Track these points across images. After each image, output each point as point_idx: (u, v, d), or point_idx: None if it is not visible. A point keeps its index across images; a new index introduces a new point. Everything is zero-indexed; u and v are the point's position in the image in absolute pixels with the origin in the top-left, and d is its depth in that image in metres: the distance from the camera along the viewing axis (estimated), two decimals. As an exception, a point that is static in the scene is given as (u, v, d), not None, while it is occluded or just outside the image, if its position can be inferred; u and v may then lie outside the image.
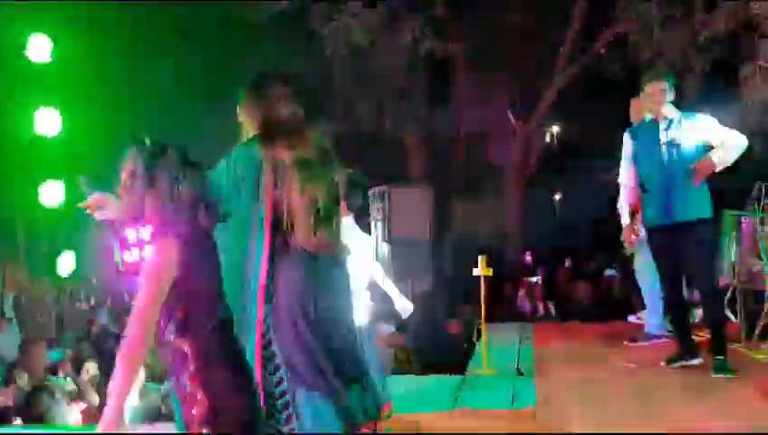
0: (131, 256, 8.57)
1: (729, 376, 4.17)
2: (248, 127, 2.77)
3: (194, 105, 10.03)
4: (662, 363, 4.55)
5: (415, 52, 10.88)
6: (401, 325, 7.29)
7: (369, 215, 9.13)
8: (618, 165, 4.82)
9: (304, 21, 10.38)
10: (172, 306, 2.21)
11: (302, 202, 2.61)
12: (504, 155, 13.10)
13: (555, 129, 16.21)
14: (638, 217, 4.80)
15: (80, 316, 9.48)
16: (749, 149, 4.39)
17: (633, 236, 4.89)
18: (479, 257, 4.76)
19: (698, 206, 4.33)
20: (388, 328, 7.15)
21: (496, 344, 5.25)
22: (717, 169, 4.29)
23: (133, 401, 5.54)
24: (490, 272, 4.77)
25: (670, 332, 5.05)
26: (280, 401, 2.62)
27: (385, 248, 9.54)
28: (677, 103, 4.50)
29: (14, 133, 7.34)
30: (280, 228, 2.63)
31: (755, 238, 5.01)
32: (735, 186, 5.17)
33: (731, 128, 4.41)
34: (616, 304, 8.89)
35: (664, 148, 4.38)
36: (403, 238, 9.37)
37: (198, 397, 2.22)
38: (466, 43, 11.65)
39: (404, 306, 4.26)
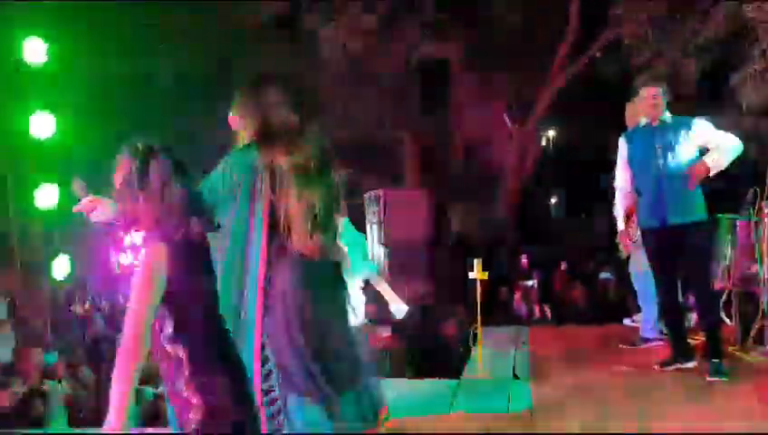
0: (127, 258, 8.56)
1: (724, 379, 4.18)
2: (245, 131, 2.76)
3: (189, 108, 10.02)
4: (657, 367, 4.55)
5: (412, 55, 10.90)
6: (397, 329, 7.29)
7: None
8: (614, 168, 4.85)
9: (302, 24, 10.40)
10: (166, 311, 2.21)
11: (300, 207, 2.61)
12: (500, 158, 13.12)
13: (551, 132, 16.26)
14: (634, 220, 4.81)
15: (74, 320, 9.44)
16: (743, 152, 4.41)
17: (628, 240, 4.92)
18: (475, 261, 4.76)
19: (693, 209, 4.34)
20: (383, 331, 7.15)
21: (492, 348, 5.25)
22: (712, 173, 4.31)
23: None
24: (485, 275, 4.77)
25: (665, 335, 5.05)
26: (272, 407, 2.61)
27: (381, 251, 9.54)
28: (672, 107, 4.52)
29: (9, 136, 7.32)
30: (277, 233, 2.63)
31: (750, 242, 5.02)
32: (730, 189, 5.19)
33: (725, 132, 4.43)
34: (611, 307, 8.91)
35: (659, 152, 4.40)
36: (398, 241, 9.37)
37: (194, 402, 2.22)
38: (463, 46, 11.68)
39: (398, 308, 4.26)
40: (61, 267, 7.69)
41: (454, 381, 4.65)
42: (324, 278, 2.71)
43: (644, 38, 10.26)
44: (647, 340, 5.26)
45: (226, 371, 2.30)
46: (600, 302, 9.65)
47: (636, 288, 5.44)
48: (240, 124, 2.78)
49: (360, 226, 6.61)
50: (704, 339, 4.57)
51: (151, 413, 5.38)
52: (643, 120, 4.56)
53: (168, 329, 2.22)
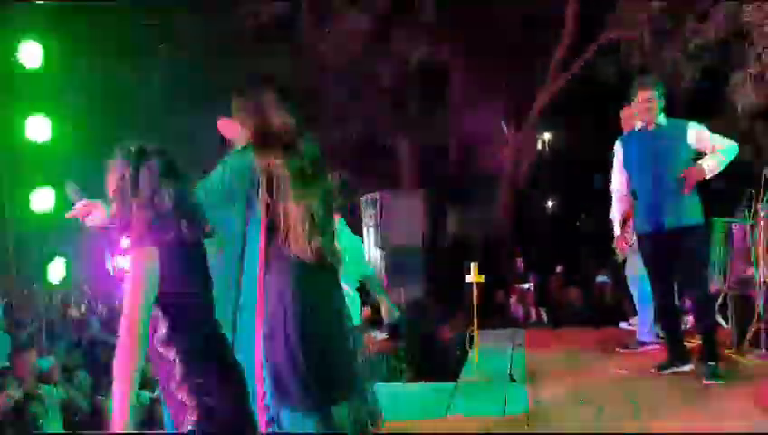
0: (123, 262, 8.53)
1: (720, 382, 4.18)
2: (240, 134, 2.75)
3: (186, 111, 10.01)
4: (653, 370, 4.56)
5: (407, 60, 10.91)
6: (394, 332, 7.29)
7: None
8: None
9: (298, 28, 10.40)
10: (159, 312, 2.21)
11: (298, 211, 2.60)
12: (497, 161, 13.14)
13: (548, 135, 16.28)
14: (630, 224, 4.82)
15: (70, 324, 9.41)
16: (739, 154, 4.42)
17: (624, 244, 4.94)
18: (471, 264, 4.76)
19: (689, 212, 4.35)
20: (380, 335, 7.14)
21: (489, 351, 5.25)
22: (708, 177, 4.32)
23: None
24: (482, 278, 4.77)
25: (661, 338, 5.06)
26: (266, 416, 2.60)
27: (377, 254, 9.54)
28: (668, 111, 4.52)
29: (5, 139, 7.31)
30: (275, 236, 2.62)
31: (746, 245, 5.03)
32: (726, 192, 5.20)
33: (721, 134, 4.44)
34: (608, 310, 8.91)
35: (654, 155, 4.41)
36: (395, 245, 9.37)
37: (188, 403, 2.22)
38: (459, 51, 11.69)
39: (390, 312, 4.26)
40: (57, 271, 7.67)
41: (450, 385, 4.64)
42: (322, 282, 2.70)
43: (641, 41, 10.29)
44: (643, 343, 5.26)
45: (221, 372, 2.30)
46: (597, 305, 9.65)
47: (632, 292, 5.44)
48: (232, 129, 2.76)
49: (356, 228, 6.62)
50: (700, 342, 4.58)
51: (148, 417, 5.36)
52: (639, 124, 4.56)
53: (162, 330, 2.22)
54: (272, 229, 2.62)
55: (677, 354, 4.54)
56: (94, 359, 7.22)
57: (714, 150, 4.34)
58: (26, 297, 8.64)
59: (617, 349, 5.32)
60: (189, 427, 2.22)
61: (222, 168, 2.63)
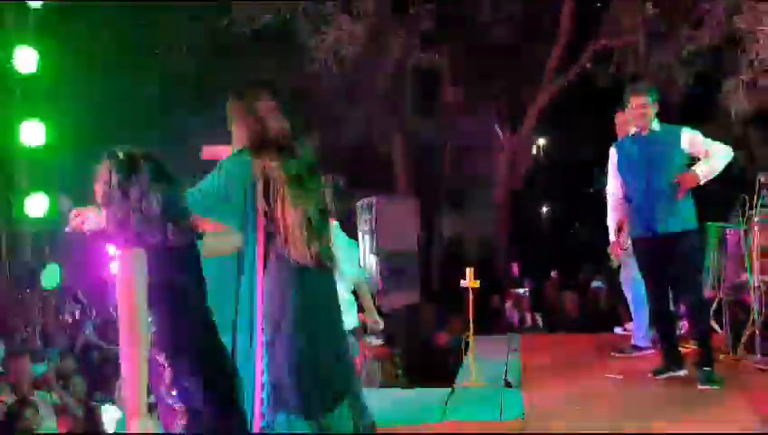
0: (115, 267, 8.50)
1: (716, 387, 4.19)
2: (237, 138, 2.75)
3: (180, 116, 10.00)
4: (649, 375, 4.56)
5: (402, 64, 10.93)
6: (389, 338, 7.28)
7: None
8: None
9: (291, 33, 10.41)
10: (149, 318, 2.21)
11: (296, 215, 2.60)
12: (492, 167, 13.16)
13: (543, 141, 16.33)
14: (625, 229, 4.84)
15: (64, 329, 9.37)
16: (733, 160, 4.44)
17: (619, 250, 4.96)
18: (466, 269, 4.76)
19: (683, 218, 4.37)
20: (375, 340, 7.13)
21: (484, 356, 5.24)
22: (702, 182, 4.34)
23: (117, 414, 5.50)
24: (477, 284, 4.77)
25: (656, 343, 5.07)
26: (261, 422, 2.59)
27: (372, 260, 9.52)
28: (662, 116, 4.55)
29: (-1, 144, 7.30)
30: (273, 241, 2.62)
31: (740, 250, 5.05)
32: (720, 198, 5.22)
33: (714, 140, 4.46)
34: (603, 315, 8.93)
35: (648, 161, 4.43)
36: (390, 250, 9.35)
37: (176, 407, 2.22)
38: (453, 55, 11.72)
39: (376, 321, 4.27)
40: (50, 276, 7.65)
41: (446, 390, 4.64)
42: (321, 285, 2.71)
43: (635, 47, 10.34)
44: (638, 348, 5.26)
45: (210, 376, 2.30)
46: (592, 310, 9.67)
47: (627, 297, 5.45)
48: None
49: (351, 234, 6.61)
50: (695, 347, 4.59)
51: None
52: (633, 130, 4.59)
53: (152, 334, 2.22)
54: (270, 233, 2.62)
55: (672, 359, 4.55)
56: (88, 364, 7.19)
57: (708, 156, 4.36)
58: (20, 303, 8.59)
59: (612, 354, 5.32)
60: (178, 431, 2.22)
61: (219, 170, 2.63)
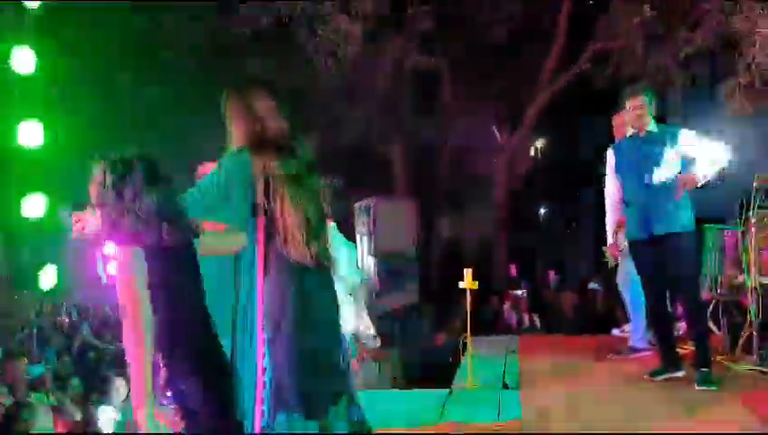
0: (113, 269, 8.49)
1: (713, 389, 4.20)
2: (235, 137, 2.74)
3: (178, 117, 10.00)
4: (646, 376, 4.57)
5: (400, 65, 10.93)
6: (387, 339, 7.27)
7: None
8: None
9: (290, 34, 10.41)
10: None
11: (295, 214, 2.60)
12: (490, 169, 13.17)
13: (540, 143, 16.34)
14: (622, 231, 4.85)
15: (61, 330, 9.36)
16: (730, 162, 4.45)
17: (617, 251, 4.97)
18: (465, 270, 4.77)
19: (680, 219, 4.37)
20: (373, 342, 7.12)
21: (482, 357, 5.25)
22: (699, 184, 4.34)
23: (115, 416, 5.50)
24: (476, 285, 4.77)
25: (654, 345, 5.07)
26: (261, 422, 2.59)
27: (371, 262, 9.53)
28: (659, 118, 4.56)
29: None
30: (272, 240, 2.62)
31: (737, 251, 5.06)
32: (717, 199, 5.24)
33: (712, 142, 4.47)
34: (600, 317, 8.93)
35: (645, 162, 4.44)
36: (388, 251, 9.36)
37: (172, 408, 2.22)
38: (452, 57, 11.73)
39: (366, 326, 4.27)
40: (47, 277, 7.63)
41: (444, 391, 4.64)
42: (321, 284, 2.71)
43: (633, 49, 10.36)
44: (636, 350, 5.27)
45: (206, 377, 2.30)
46: (589, 312, 9.68)
47: (624, 298, 5.46)
48: (231, 128, 2.75)
49: (349, 236, 6.61)
50: (692, 348, 4.59)
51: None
52: (630, 131, 4.59)
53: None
54: (269, 233, 2.62)
55: (670, 361, 4.56)
56: (85, 365, 7.18)
57: (705, 158, 4.36)
58: (17, 304, 8.58)
59: (609, 355, 5.33)
60: (174, 431, 2.22)
61: (218, 169, 2.63)
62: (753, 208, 4.87)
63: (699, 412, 3.85)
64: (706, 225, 5.32)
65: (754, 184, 4.89)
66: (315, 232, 2.65)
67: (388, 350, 7.24)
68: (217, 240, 2.55)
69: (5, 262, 8.50)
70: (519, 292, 10.79)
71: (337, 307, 2.82)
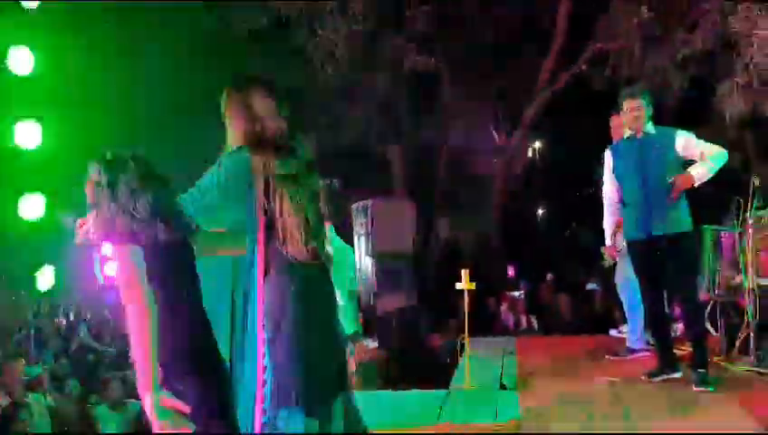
0: (111, 269, 8.48)
1: (710, 390, 4.20)
2: (233, 136, 2.74)
3: (177, 119, 9.99)
4: (644, 377, 4.57)
5: (399, 66, 10.93)
6: (384, 340, 7.28)
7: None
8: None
9: (289, 35, 10.41)
10: None
11: (294, 214, 2.61)
12: (488, 170, 13.17)
13: (539, 144, 16.35)
14: (620, 231, 4.86)
15: (59, 332, 9.35)
16: (728, 163, 4.45)
17: (615, 252, 4.98)
18: (462, 271, 4.77)
19: (678, 220, 4.38)
20: (371, 342, 7.13)
21: (479, 358, 5.25)
22: (696, 184, 4.35)
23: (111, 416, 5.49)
24: (473, 286, 4.77)
25: (651, 345, 5.08)
26: (262, 419, 2.59)
27: (368, 262, 9.52)
28: (656, 119, 4.56)
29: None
30: (272, 238, 2.62)
31: (735, 252, 5.06)
32: (715, 200, 5.24)
33: (709, 142, 4.48)
34: (598, 318, 8.94)
35: (643, 163, 4.44)
36: (386, 252, 9.36)
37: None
38: (450, 57, 11.73)
39: (356, 330, 4.28)
40: (45, 278, 7.62)
41: (441, 392, 4.64)
42: (320, 282, 2.71)
43: (630, 50, 10.37)
44: (633, 351, 5.28)
45: (203, 377, 2.30)
46: (587, 313, 9.69)
47: (622, 299, 5.46)
48: (229, 128, 2.74)
49: (347, 239, 6.61)
50: (690, 349, 4.60)
51: (136, 427, 5.33)
52: (627, 132, 4.60)
53: None
54: (269, 232, 2.62)
55: (667, 362, 4.56)
56: (82, 366, 7.18)
57: (702, 158, 4.37)
58: (14, 305, 8.56)
59: (607, 356, 5.33)
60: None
61: (218, 167, 2.63)
62: (751, 209, 4.87)
63: (696, 413, 3.86)
64: (704, 226, 5.33)
65: (752, 184, 4.90)
66: (314, 231, 2.65)
67: (386, 350, 7.24)
68: (215, 241, 2.55)
69: (2, 262, 8.47)
70: (516, 293, 10.80)
71: (336, 307, 2.83)
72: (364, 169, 12.16)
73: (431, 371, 6.30)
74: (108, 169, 2.28)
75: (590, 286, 10.48)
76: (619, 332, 6.05)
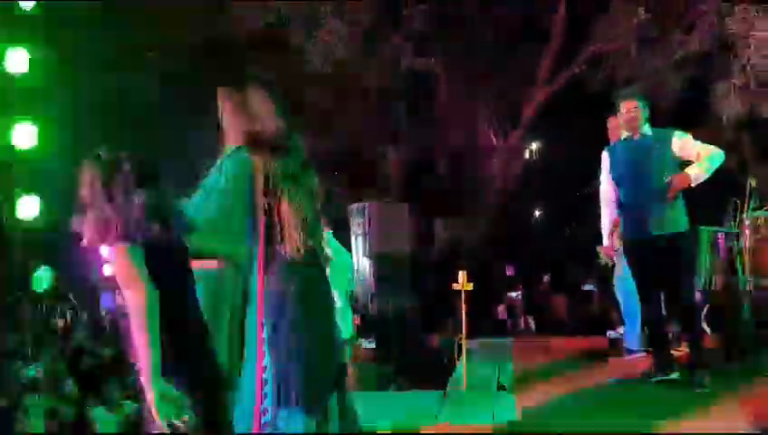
0: (108, 270, 8.47)
1: (707, 390, 4.21)
2: (232, 136, 2.74)
3: (175, 118, 9.98)
4: (640, 378, 4.57)
5: (396, 67, 10.94)
6: (381, 340, 7.27)
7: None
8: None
9: (286, 36, 10.41)
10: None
11: (293, 214, 2.61)
12: (485, 171, 13.18)
13: (536, 145, 16.35)
14: (617, 232, 4.86)
15: (55, 332, 9.33)
16: (725, 164, 4.46)
17: (612, 252, 4.98)
18: (460, 272, 4.77)
19: (675, 221, 4.39)
20: (368, 343, 7.13)
21: (477, 359, 5.25)
22: (693, 185, 4.36)
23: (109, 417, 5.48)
24: (470, 286, 4.77)
25: (648, 346, 5.08)
26: (262, 419, 2.59)
27: (366, 263, 9.53)
28: (653, 120, 4.57)
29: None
30: (272, 238, 2.63)
31: (731, 253, 5.08)
32: (711, 201, 5.25)
33: (705, 143, 4.49)
34: (595, 319, 8.96)
35: (640, 164, 4.45)
36: (383, 253, 9.36)
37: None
38: (447, 57, 11.74)
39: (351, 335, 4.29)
40: (41, 279, 7.61)
41: (439, 393, 4.64)
42: (318, 282, 2.72)
43: (627, 51, 10.39)
44: (630, 351, 5.28)
45: (200, 378, 2.29)
46: (584, 314, 9.70)
47: (619, 300, 5.47)
48: (228, 128, 2.75)
49: (344, 243, 6.61)
50: (686, 350, 4.60)
51: (134, 428, 5.32)
52: (624, 134, 4.61)
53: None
54: (269, 232, 2.62)
55: (664, 362, 4.56)
56: (80, 367, 7.15)
57: (699, 158, 4.38)
58: (10, 306, 8.53)
59: (604, 357, 5.34)
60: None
61: (219, 168, 2.63)
62: (748, 210, 4.89)
63: (693, 414, 3.86)
64: (701, 227, 5.33)
65: (749, 185, 4.91)
66: (312, 230, 2.67)
67: (384, 351, 7.23)
68: (214, 242, 2.55)
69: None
70: (514, 294, 10.81)
71: (334, 307, 2.83)
72: (362, 169, 12.17)
73: (429, 371, 6.30)
74: (103, 169, 2.27)
75: (586, 287, 10.49)
76: (617, 332, 6.05)
